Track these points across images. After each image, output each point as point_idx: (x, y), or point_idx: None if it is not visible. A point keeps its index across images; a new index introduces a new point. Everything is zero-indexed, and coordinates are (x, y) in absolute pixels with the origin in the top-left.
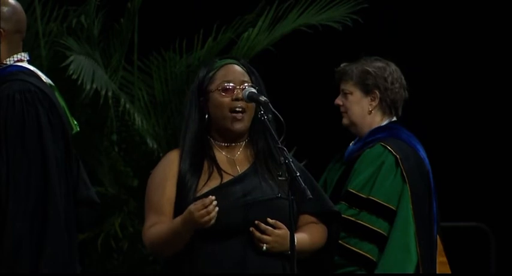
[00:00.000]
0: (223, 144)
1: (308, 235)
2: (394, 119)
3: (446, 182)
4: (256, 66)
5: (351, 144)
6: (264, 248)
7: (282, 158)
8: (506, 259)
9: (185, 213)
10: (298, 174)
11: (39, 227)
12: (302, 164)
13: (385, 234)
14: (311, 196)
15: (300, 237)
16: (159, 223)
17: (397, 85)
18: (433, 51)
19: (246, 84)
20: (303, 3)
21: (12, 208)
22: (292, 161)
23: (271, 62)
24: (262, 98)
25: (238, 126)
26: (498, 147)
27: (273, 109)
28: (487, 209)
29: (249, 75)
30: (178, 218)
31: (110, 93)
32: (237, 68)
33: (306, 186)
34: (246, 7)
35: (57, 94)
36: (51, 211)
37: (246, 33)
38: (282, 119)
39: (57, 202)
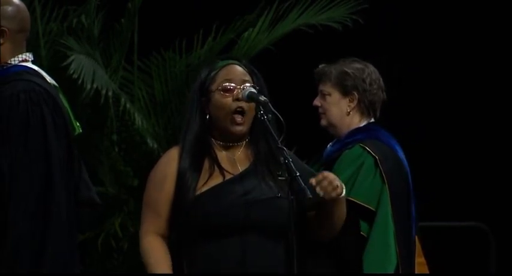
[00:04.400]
0: (223, 143)
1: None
2: (373, 120)
3: (446, 182)
4: (257, 66)
5: (328, 145)
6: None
7: (282, 158)
8: (506, 259)
9: None
10: (298, 174)
11: (41, 226)
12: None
13: (365, 235)
14: (311, 196)
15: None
16: (157, 236)
17: (375, 86)
18: (433, 51)
19: (247, 84)
20: (303, 3)
21: (14, 207)
22: (293, 160)
23: (272, 62)
24: (262, 98)
25: (238, 129)
26: (498, 147)
27: (273, 109)
28: (486, 208)
29: (251, 76)
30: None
31: (110, 93)
32: (239, 68)
33: (306, 186)
34: (246, 7)
35: (61, 95)
36: (54, 211)
37: (246, 33)
38: (282, 119)
39: (59, 202)
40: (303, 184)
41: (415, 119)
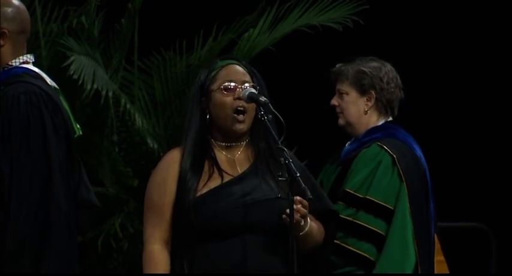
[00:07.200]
0: (223, 144)
1: (316, 224)
2: (390, 118)
3: (446, 182)
4: (257, 66)
5: (347, 144)
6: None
7: (282, 159)
8: (507, 259)
9: None
10: (298, 174)
11: (42, 227)
12: (302, 164)
13: (383, 234)
14: (311, 196)
15: (310, 223)
16: (161, 245)
17: (392, 85)
18: (433, 52)
19: (247, 84)
20: (303, 4)
21: (15, 208)
22: (292, 161)
23: (272, 62)
24: (262, 99)
25: (239, 127)
26: (498, 147)
27: (273, 109)
28: (487, 209)
29: (250, 76)
30: None
31: (110, 94)
32: (239, 68)
33: (306, 187)
34: (246, 7)
35: (61, 97)
36: (54, 212)
37: (247, 33)
38: (282, 120)
39: (59, 203)
40: (304, 185)
41: (415, 119)
